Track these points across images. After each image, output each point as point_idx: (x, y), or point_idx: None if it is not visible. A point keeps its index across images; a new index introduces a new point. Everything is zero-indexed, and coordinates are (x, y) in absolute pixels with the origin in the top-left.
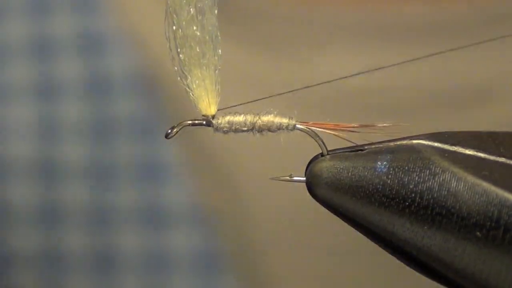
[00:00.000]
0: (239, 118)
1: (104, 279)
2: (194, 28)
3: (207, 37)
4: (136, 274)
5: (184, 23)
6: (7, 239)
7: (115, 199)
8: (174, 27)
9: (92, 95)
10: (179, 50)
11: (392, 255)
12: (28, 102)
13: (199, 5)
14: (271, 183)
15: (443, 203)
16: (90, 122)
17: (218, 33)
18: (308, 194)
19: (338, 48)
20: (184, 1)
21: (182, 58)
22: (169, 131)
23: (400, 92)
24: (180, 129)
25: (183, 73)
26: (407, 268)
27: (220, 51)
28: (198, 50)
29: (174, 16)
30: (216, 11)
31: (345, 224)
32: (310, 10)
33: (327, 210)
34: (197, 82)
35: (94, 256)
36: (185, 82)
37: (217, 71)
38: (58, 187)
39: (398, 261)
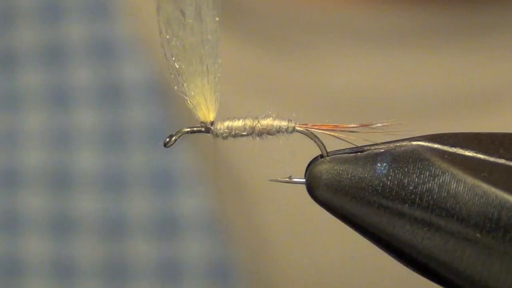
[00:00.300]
0: (238, 123)
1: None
2: (191, 36)
3: (207, 47)
4: (149, 282)
5: (180, 32)
6: (19, 247)
7: (128, 208)
8: (167, 36)
9: (105, 103)
10: (174, 58)
11: (392, 256)
12: (41, 109)
13: (199, 14)
14: (284, 188)
15: (443, 205)
16: (103, 130)
17: (218, 41)
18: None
19: (340, 50)
20: (178, 10)
21: (178, 66)
22: (167, 139)
23: (399, 94)
24: (179, 137)
25: (180, 81)
26: (407, 269)
27: (220, 60)
28: (195, 58)
29: (168, 24)
30: (216, 19)
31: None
32: (311, 12)
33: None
34: (195, 89)
35: (107, 265)
36: (182, 90)
37: (216, 79)
38: (71, 196)
39: (398, 263)
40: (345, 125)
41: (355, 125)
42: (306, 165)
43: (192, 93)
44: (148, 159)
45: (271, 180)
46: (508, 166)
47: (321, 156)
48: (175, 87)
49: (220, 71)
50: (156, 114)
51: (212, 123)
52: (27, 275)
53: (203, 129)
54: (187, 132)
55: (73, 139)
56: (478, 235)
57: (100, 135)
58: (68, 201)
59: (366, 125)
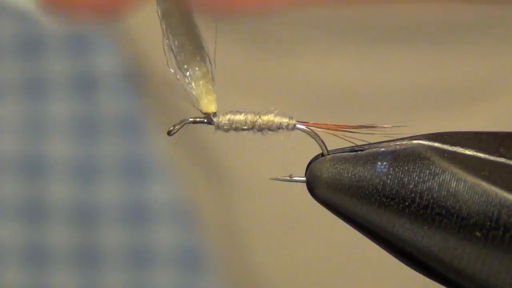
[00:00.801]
0: (240, 117)
1: (88, 275)
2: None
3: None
4: (120, 270)
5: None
6: None
7: (100, 196)
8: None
9: (78, 92)
10: (176, 51)
11: (392, 255)
12: (14, 99)
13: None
14: (257, 177)
15: (443, 203)
16: (76, 118)
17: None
18: (300, 194)
19: (339, 48)
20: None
21: (180, 59)
22: (172, 128)
23: (400, 92)
24: (182, 126)
25: (183, 72)
26: (407, 268)
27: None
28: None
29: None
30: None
31: (339, 223)
32: (310, 11)
33: (321, 209)
34: (197, 80)
35: (79, 252)
36: (185, 81)
37: (215, 69)
38: (43, 184)
39: (398, 261)
40: (346, 125)
41: (356, 125)
42: (306, 163)
43: (194, 84)
44: (121, 148)
45: (271, 179)
46: (508, 165)
47: (322, 154)
48: (178, 77)
49: (213, 67)
50: (129, 103)
51: (215, 115)
52: (1, 261)
53: (205, 120)
54: (190, 122)
55: (46, 128)
56: (478, 233)
57: (73, 124)
58: (40, 188)
59: (367, 127)
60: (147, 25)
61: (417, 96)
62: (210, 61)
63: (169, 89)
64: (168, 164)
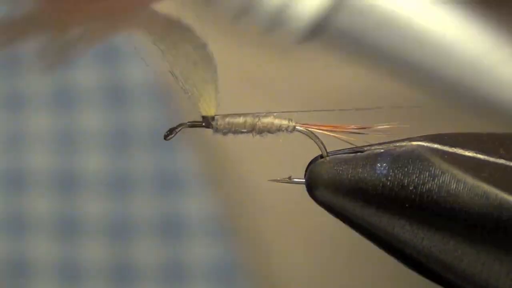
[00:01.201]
0: (239, 120)
1: None
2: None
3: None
4: (154, 284)
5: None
6: (26, 248)
7: (134, 210)
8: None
9: (111, 105)
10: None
11: (392, 256)
12: (45, 112)
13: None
14: (288, 189)
15: (443, 205)
16: (109, 132)
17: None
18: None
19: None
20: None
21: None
22: (168, 132)
23: (400, 93)
24: (180, 130)
25: (181, 75)
26: (407, 269)
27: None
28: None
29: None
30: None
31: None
32: None
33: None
34: (196, 84)
35: (113, 267)
36: (182, 84)
37: (216, 73)
38: (77, 198)
39: (398, 263)
40: (345, 126)
41: (355, 126)
42: (305, 165)
43: (193, 88)
44: (154, 161)
45: (270, 180)
46: (508, 166)
47: (321, 156)
48: (176, 78)
49: (216, 68)
50: (162, 116)
51: (213, 118)
52: (33, 276)
53: (204, 123)
54: (188, 126)
55: (79, 141)
56: (478, 235)
57: (106, 137)
58: (74, 202)
59: (366, 127)
60: None
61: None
62: (213, 64)
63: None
64: (200, 177)
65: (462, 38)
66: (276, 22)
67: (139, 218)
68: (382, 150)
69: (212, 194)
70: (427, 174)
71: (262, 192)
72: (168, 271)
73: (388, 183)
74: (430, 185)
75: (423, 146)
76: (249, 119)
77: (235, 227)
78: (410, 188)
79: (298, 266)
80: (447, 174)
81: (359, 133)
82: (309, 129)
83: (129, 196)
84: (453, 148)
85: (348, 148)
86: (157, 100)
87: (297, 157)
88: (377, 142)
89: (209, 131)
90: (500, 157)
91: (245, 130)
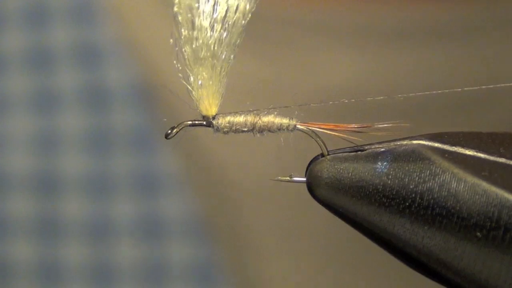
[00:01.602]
0: (240, 119)
1: None
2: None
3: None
4: (134, 285)
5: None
6: (5, 251)
7: (113, 211)
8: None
9: (90, 106)
10: (183, 49)
11: (393, 255)
12: (25, 113)
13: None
14: (273, 188)
15: (443, 204)
16: (89, 134)
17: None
18: (310, 197)
19: (342, 49)
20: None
21: (187, 57)
22: (169, 131)
23: (400, 93)
24: (180, 129)
25: (187, 72)
26: (408, 268)
27: (233, 56)
28: (208, 51)
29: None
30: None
31: (348, 227)
32: (313, 13)
33: (328, 214)
34: (200, 82)
35: (93, 268)
36: (187, 81)
37: (224, 74)
38: (57, 200)
39: (398, 262)
40: (346, 125)
41: (356, 125)
42: (306, 164)
43: (196, 86)
44: (133, 163)
45: (271, 179)
46: (508, 165)
47: (322, 155)
48: (180, 75)
49: (229, 68)
50: (141, 117)
51: (214, 117)
52: (13, 278)
53: (204, 122)
54: (189, 124)
55: (59, 143)
56: (478, 234)
57: (85, 139)
58: (53, 204)
59: (367, 126)
60: (159, 37)
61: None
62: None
63: (182, 102)
64: (179, 178)
65: None
66: None
67: (119, 219)
68: (383, 149)
69: (193, 195)
70: (428, 172)
71: (243, 193)
72: (148, 272)
73: (389, 182)
74: (430, 183)
75: (424, 145)
76: (249, 118)
77: (216, 229)
78: (411, 187)
79: (279, 266)
80: (447, 173)
81: (359, 132)
82: (310, 127)
83: (109, 197)
84: (453, 147)
85: (349, 147)
86: (138, 102)
87: (298, 156)
88: (377, 141)
89: (190, 131)
90: (500, 156)
91: (245, 129)
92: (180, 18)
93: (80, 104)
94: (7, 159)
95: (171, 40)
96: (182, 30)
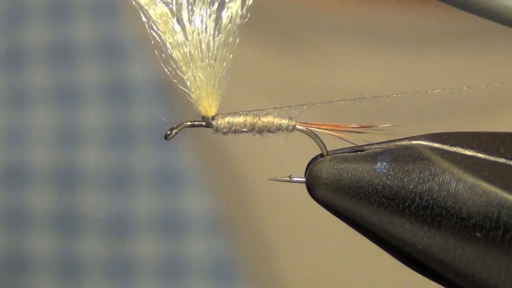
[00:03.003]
0: (239, 119)
1: (121, 285)
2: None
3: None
4: (153, 280)
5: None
6: (25, 244)
7: (133, 206)
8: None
9: (111, 101)
10: (172, 51)
11: (392, 255)
12: (48, 107)
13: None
14: (288, 186)
15: (443, 204)
16: (109, 128)
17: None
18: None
19: (345, 50)
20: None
21: (178, 58)
22: (168, 132)
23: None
24: (180, 130)
25: (181, 73)
26: (407, 268)
27: (231, 56)
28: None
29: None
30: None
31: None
32: (320, 11)
33: None
34: (197, 83)
35: (112, 263)
36: (183, 84)
37: (223, 74)
38: (77, 194)
39: (398, 262)
40: (345, 125)
41: (355, 126)
42: (306, 164)
43: (195, 87)
44: (154, 157)
45: (270, 179)
46: (508, 165)
47: (321, 155)
48: (176, 80)
49: (229, 68)
50: (162, 112)
51: (213, 118)
52: (33, 272)
53: (204, 123)
54: (188, 125)
55: (80, 137)
56: (478, 234)
57: (106, 134)
58: (74, 198)
59: (366, 126)
60: None
61: (422, 100)
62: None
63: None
64: (200, 173)
65: None
66: None
67: (138, 214)
68: (382, 149)
69: (212, 191)
70: (427, 173)
71: (262, 190)
72: (167, 268)
73: (388, 182)
74: (430, 184)
75: (424, 145)
76: (249, 119)
77: (235, 224)
78: (410, 187)
79: (298, 263)
80: (447, 173)
81: (359, 132)
82: (310, 128)
83: (129, 192)
84: (453, 147)
85: (349, 147)
86: (159, 97)
87: (297, 156)
88: (377, 141)
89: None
90: (500, 156)
91: (245, 130)
92: (159, 26)
93: (102, 99)
94: (29, 152)
95: (156, 51)
96: (165, 37)
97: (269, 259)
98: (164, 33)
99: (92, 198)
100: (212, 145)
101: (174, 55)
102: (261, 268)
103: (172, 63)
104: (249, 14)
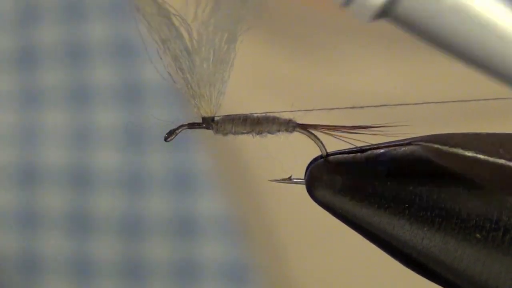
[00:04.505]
0: (239, 121)
1: None
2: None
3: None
4: (166, 283)
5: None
6: (37, 245)
7: (146, 207)
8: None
9: (125, 102)
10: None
11: (392, 256)
12: (62, 107)
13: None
14: (303, 189)
15: (443, 205)
16: (123, 129)
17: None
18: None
19: (348, 53)
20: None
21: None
22: (168, 134)
23: (400, 94)
24: (180, 131)
25: (183, 74)
26: (407, 269)
27: (234, 59)
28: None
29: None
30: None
31: None
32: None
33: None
34: (198, 84)
35: (125, 264)
36: (184, 84)
37: (225, 77)
38: (91, 195)
39: (398, 263)
40: (345, 126)
41: (355, 127)
42: (306, 165)
43: (195, 88)
44: (168, 159)
45: (270, 180)
46: (508, 166)
47: (321, 156)
48: (176, 80)
49: (231, 71)
50: (176, 113)
51: (213, 119)
52: (46, 272)
53: (204, 124)
54: (188, 127)
55: (94, 138)
56: (478, 235)
57: (119, 134)
58: (87, 199)
59: (366, 127)
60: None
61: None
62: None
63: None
64: (213, 175)
65: None
66: None
67: (152, 216)
68: (382, 150)
69: (227, 193)
70: (427, 174)
71: (277, 192)
72: (180, 270)
73: (388, 183)
74: (430, 185)
75: (424, 146)
76: (249, 120)
77: (249, 227)
78: (410, 188)
79: (313, 267)
80: (447, 174)
81: (359, 133)
82: (309, 129)
83: (143, 194)
84: (453, 148)
85: (349, 148)
86: (172, 98)
87: (297, 157)
88: (377, 143)
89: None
90: (500, 157)
91: (245, 131)
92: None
93: (117, 99)
94: (43, 152)
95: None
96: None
97: (283, 263)
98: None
99: (106, 199)
100: (227, 147)
101: (177, 54)
102: (276, 272)
103: (173, 62)
104: (250, 15)
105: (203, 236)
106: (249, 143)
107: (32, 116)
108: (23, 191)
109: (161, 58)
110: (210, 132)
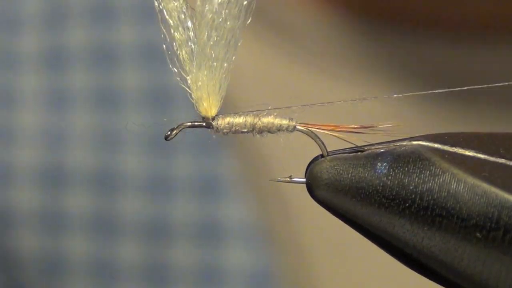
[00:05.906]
0: (239, 120)
1: None
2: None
3: (223, 42)
4: (190, 287)
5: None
6: (62, 247)
7: (171, 212)
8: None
9: (152, 105)
10: (178, 50)
11: (392, 256)
12: (85, 109)
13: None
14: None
15: (443, 204)
16: (150, 133)
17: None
18: None
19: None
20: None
21: (182, 58)
22: (168, 133)
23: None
24: (180, 130)
25: (183, 73)
26: (408, 269)
27: (233, 58)
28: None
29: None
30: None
31: None
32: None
33: None
34: (199, 83)
35: (148, 269)
36: (185, 83)
37: (225, 76)
38: (115, 197)
39: (398, 262)
40: (346, 126)
41: (356, 126)
42: (306, 164)
43: (195, 88)
44: (193, 163)
45: (271, 180)
46: (509, 166)
47: (322, 155)
48: (178, 79)
49: (230, 70)
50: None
51: (213, 119)
52: (70, 275)
53: (204, 124)
54: (188, 126)
55: (120, 141)
56: (478, 234)
57: (146, 138)
58: (112, 202)
59: (367, 127)
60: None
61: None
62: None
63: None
64: (237, 180)
65: None
66: None
67: (176, 220)
68: (382, 150)
69: (252, 199)
70: (428, 173)
71: (302, 198)
72: (204, 275)
73: (389, 183)
74: (430, 184)
75: (424, 145)
76: (249, 119)
77: (274, 233)
78: (411, 188)
79: (338, 273)
80: (447, 174)
81: (359, 133)
82: (310, 128)
83: (167, 198)
84: (453, 148)
85: (349, 148)
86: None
87: (297, 157)
88: (377, 142)
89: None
90: (500, 156)
91: (245, 130)
92: (170, 21)
93: (142, 102)
94: (68, 154)
95: (164, 46)
96: (175, 33)
97: (308, 269)
98: (175, 29)
99: (130, 202)
100: (252, 152)
101: (179, 54)
102: (300, 278)
103: (176, 62)
104: (251, 15)
105: (228, 242)
106: (276, 149)
107: (59, 118)
108: (48, 192)
109: (175, 60)
110: (236, 137)
